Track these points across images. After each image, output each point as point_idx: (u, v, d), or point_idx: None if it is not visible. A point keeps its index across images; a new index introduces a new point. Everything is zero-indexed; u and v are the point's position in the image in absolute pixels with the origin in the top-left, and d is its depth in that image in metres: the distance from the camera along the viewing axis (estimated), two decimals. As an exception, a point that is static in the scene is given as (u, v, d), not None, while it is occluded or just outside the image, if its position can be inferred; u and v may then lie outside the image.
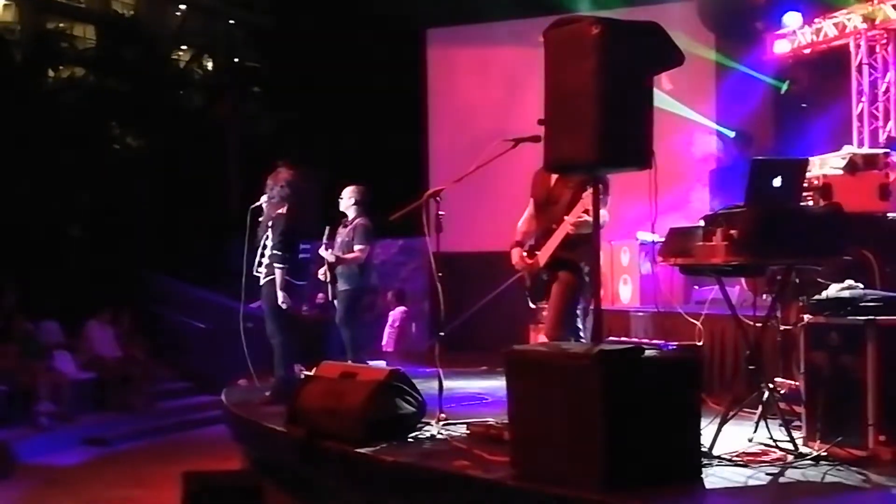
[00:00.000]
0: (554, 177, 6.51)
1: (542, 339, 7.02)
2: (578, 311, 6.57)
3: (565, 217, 6.37)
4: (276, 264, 7.99)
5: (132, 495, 9.25)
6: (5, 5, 31.08)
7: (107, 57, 25.17)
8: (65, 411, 11.90)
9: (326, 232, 8.72)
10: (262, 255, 8.10)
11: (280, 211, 8.11)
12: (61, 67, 25.62)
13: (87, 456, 11.33)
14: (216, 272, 18.33)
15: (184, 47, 29.24)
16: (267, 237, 8.10)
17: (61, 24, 31.89)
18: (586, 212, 6.07)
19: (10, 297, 13.18)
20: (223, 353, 14.38)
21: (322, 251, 8.70)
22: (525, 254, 6.75)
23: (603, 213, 6.02)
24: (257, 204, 8.27)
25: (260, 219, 8.22)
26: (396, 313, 14.37)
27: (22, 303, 13.26)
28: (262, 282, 8.10)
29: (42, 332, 13.26)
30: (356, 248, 8.65)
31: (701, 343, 7.69)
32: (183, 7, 33.13)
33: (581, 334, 6.53)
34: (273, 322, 8.05)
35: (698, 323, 7.32)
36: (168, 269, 17.75)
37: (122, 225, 19.02)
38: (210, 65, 25.88)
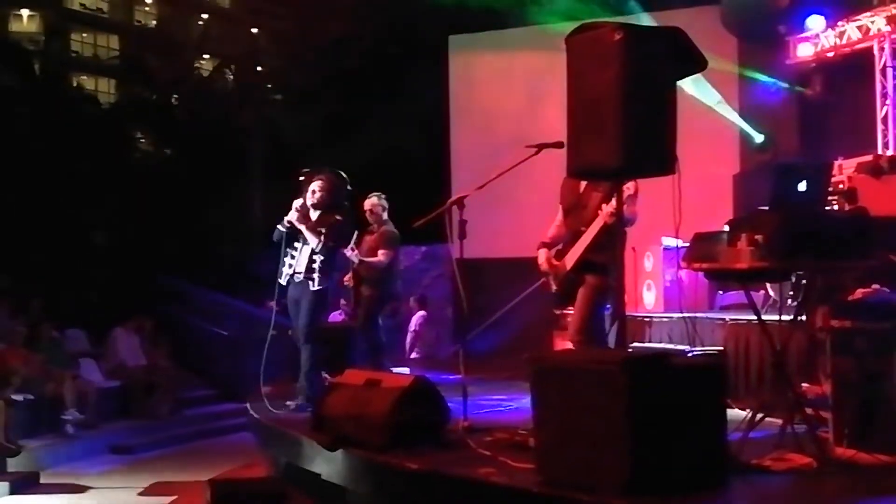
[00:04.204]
0: (583, 182, 6.48)
1: (568, 344, 6.99)
2: (606, 316, 6.53)
3: (601, 210, 6.30)
4: (320, 268, 8.05)
5: (158, 502, 9.27)
6: (30, 16, 31.35)
7: (130, 66, 25.39)
8: (90, 419, 11.94)
9: (354, 237, 8.80)
10: (313, 262, 8.10)
11: (338, 217, 8.17)
12: (85, 77, 25.82)
13: (112, 464, 11.36)
14: (240, 279, 18.41)
15: (206, 56, 29.43)
16: (318, 243, 8.11)
17: (85, 34, 32.18)
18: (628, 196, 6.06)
19: (36, 305, 13.25)
20: (247, 361, 14.42)
21: (347, 251, 8.76)
22: (553, 256, 6.73)
23: (633, 211, 6.02)
24: (290, 217, 8.22)
25: (282, 224, 8.21)
26: (416, 318, 14.41)
27: (47, 311, 13.33)
28: (313, 287, 8.11)
29: (68, 340, 13.33)
30: (380, 252, 8.71)
31: (726, 349, 7.67)
32: (205, 16, 33.34)
33: (607, 339, 6.49)
34: (309, 329, 8.09)
35: (723, 329, 7.29)
36: (192, 276, 17.83)
37: (146, 232, 19.12)
38: (232, 73, 26.00)
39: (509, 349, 11.53)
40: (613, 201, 6.03)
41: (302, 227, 8.07)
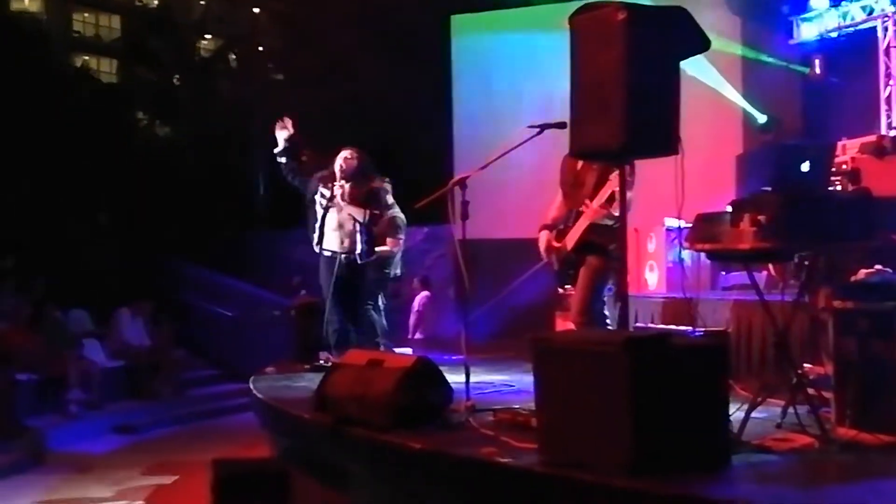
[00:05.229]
0: (580, 161, 6.49)
1: (570, 325, 7.01)
2: (606, 298, 6.56)
3: (589, 202, 6.34)
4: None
5: (161, 482, 9.31)
6: (32, -4, 31.25)
7: (132, 46, 25.35)
8: (94, 399, 11.99)
9: None
10: (359, 235, 8.13)
11: (373, 185, 8.27)
12: (87, 57, 25.76)
13: (116, 444, 11.41)
14: (243, 260, 18.43)
15: (208, 36, 29.35)
16: (365, 216, 8.14)
17: (86, 14, 32.08)
18: (613, 193, 6.06)
19: (39, 286, 13.27)
20: (250, 341, 14.49)
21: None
22: (554, 237, 6.74)
23: (629, 194, 6.01)
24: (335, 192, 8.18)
25: (324, 196, 8.21)
26: (419, 299, 14.41)
27: (50, 291, 13.35)
28: (363, 261, 8.20)
29: (71, 320, 13.36)
30: (389, 240, 8.72)
31: (728, 329, 7.67)
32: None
33: (607, 321, 6.51)
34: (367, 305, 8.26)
35: (726, 309, 7.28)
36: (195, 257, 17.86)
37: (149, 213, 19.13)
38: (234, 53, 25.95)
39: (512, 330, 11.54)
40: (604, 190, 6.09)
41: (347, 207, 8.04)
